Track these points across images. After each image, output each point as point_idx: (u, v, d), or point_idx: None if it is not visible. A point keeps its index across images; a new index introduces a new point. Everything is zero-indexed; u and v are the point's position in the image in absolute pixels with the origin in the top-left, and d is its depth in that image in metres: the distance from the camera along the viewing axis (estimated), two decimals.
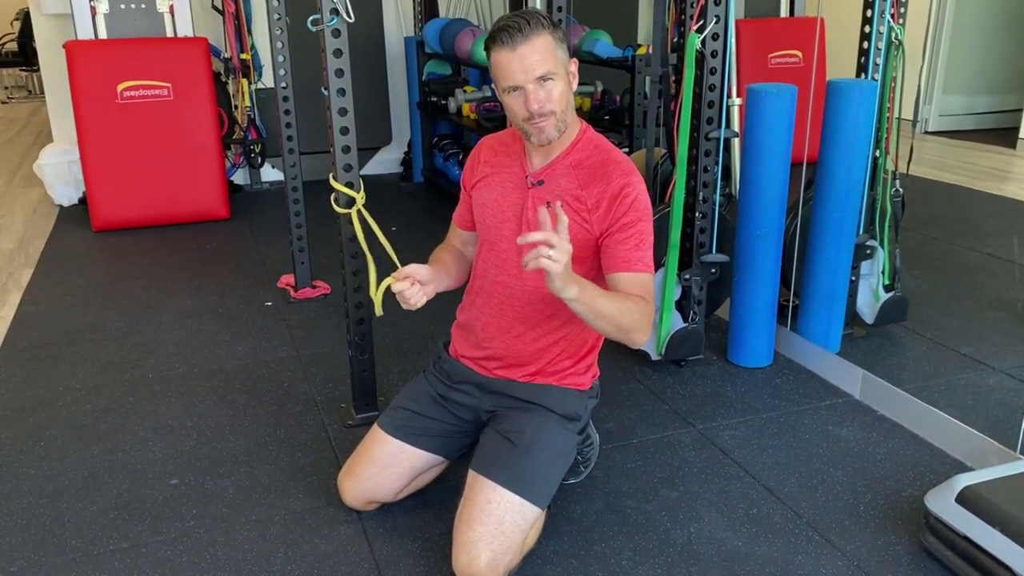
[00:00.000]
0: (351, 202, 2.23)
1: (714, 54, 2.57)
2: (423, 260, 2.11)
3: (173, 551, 1.92)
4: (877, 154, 2.77)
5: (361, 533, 1.97)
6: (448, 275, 2.01)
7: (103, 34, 4.44)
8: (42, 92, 5.57)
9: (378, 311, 2.03)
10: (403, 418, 1.99)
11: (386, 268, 2.11)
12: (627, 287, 1.75)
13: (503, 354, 1.93)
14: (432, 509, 2.04)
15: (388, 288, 1.88)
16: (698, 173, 2.66)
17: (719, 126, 2.63)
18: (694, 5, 2.55)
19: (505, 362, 1.93)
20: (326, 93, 2.21)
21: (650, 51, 3.13)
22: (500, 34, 1.69)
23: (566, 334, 1.90)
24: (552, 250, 1.49)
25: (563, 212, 1.55)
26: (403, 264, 1.86)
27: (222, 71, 4.99)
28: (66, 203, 4.92)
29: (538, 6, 3.36)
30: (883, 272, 2.90)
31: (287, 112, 3.33)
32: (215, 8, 4.95)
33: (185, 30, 4.58)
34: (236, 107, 5.00)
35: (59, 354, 2.97)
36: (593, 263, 1.84)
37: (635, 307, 1.70)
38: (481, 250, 1.97)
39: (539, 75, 1.70)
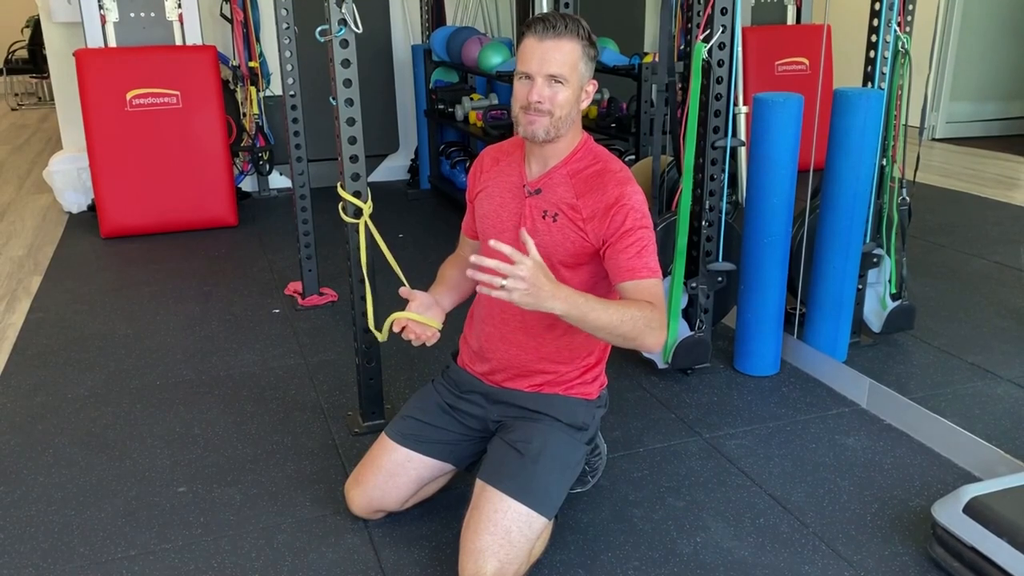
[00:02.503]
0: (359, 211, 2.24)
1: (720, 63, 2.57)
2: (429, 266, 2.13)
3: (180, 559, 1.93)
4: (884, 162, 2.77)
5: (368, 542, 1.98)
6: (455, 290, 2.03)
7: (113, 42, 4.47)
8: (52, 99, 5.61)
9: (382, 337, 2.06)
10: (411, 427, 2.00)
11: (390, 278, 2.12)
12: (634, 295, 1.74)
13: (506, 365, 1.93)
14: (439, 518, 2.04)
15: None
16: (704, 181, 2.67)
17: (725, 134, 2.64)
18: (701, 14, 2.56)
19: (509, 373, 1.94)
20: (334, 103, 2.22)
21: (656, 59, 3.13)
22: (536, 23, 1.72)
23: (568, 343, 1.90)
24: (505, 279, 1.50)
25: (529, 237, 1.55)
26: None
27: (230, 79, 5.01)
28: (75, 210, 4.94)
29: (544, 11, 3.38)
30: (890, 280, 2.90)
31: (295, 120, 3.35)
32: (224, 16, 4.98)
33: (194, 38, 4.61)
34: (244, 114, 5.02)
35: (67, 361, 2.98)
36: (592, 271, 1.85)
37: (638, 314, 1.68)
38: None
39: (551, 73, 1.71)
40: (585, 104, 1.80)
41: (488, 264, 1.51)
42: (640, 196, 1.80)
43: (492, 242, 1.54)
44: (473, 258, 1.54)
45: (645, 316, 1.69)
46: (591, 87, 1.80)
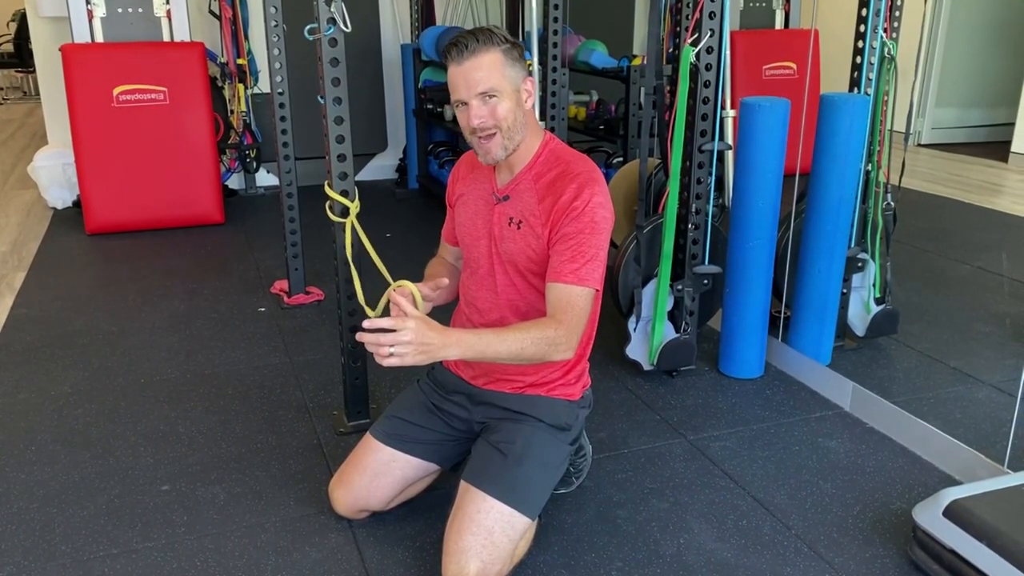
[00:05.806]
0: (346, 210, 2.24)
1: (708, 67, 2.58)
2: (416, 266, 2.13)
3: (163, 558, 1.92)
4: (869, 167, 2.79)
5: (352, 541, 1.97)
6: (445, 289, 2.01)
7: (100, 37, 4.45)
8: (38, 93, 5.58)
9: (375, 314, 1.99)
10: (395, 426, 2.00)
11: (376, 280, 2.10)
12: (552, 299, 1.73)
13: (488, 370, 1.93)
14: (423, 518, 2.04)
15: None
16: (691, 184, 2.68)
17: (713, 138, 2.65)
18: (689, 17, 2.57)
19: (492, 377, 1.94)
20: (322, 101, 2.22)
21: (645, 62, 3.15)
22: (451, 49, 1.71)
23: None
24: (392, 347, 1.52)
25: (400, 298, 1.58)
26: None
27: (218, 76, 4.99)
28: (60, 206, 4.91)
29: (534, 16, 3.39)
30: (874, 285, 2.92)
31: (282, 118, 3.34)
32: (212, 13, 4.96)
33: (182, 34, 4.59)
34: (232, 112, 5.01)
35: (51, 358, 2.96)
36: None
37: (539, 335, 1.66)
38: (464, 269, 1.99)
39: (481, 91, 1.70)
40: (529, 103, 1.79)
41: (367, 339, 1.53)
42: (599, 198, 1.75)
43: (366, 322, 1.55)
44: (365, 324, 1.54)
45: (547, 336, 1.67)
46: (528, 84, 1.78)
